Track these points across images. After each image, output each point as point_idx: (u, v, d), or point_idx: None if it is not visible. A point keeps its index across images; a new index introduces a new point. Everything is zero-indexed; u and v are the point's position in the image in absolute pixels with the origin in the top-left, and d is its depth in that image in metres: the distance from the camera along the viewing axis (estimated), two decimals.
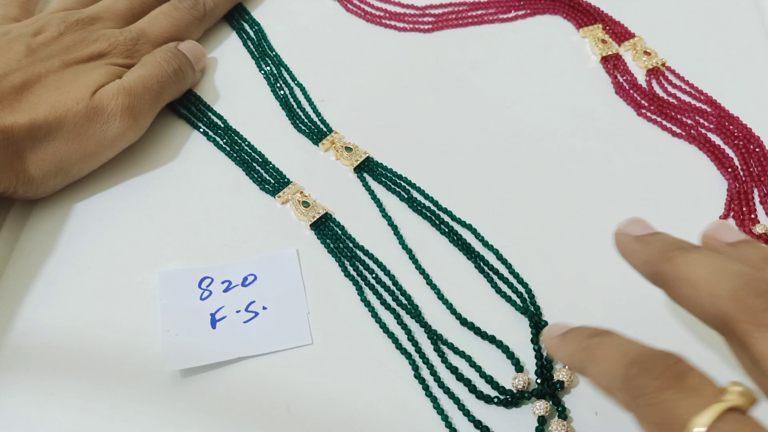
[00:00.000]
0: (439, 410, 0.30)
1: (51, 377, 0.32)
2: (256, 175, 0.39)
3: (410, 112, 0.41)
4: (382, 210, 0.37)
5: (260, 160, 0.39)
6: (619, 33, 0.45)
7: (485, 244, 0.35)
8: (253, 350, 0.32)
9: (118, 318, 0.33)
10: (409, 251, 0.35)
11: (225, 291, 0.34)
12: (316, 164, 0.39)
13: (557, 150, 0.39)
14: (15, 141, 0.35)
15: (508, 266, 0.34)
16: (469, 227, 0.36)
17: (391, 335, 0.32)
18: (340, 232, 0.36)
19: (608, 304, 0.33)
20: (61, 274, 0.35)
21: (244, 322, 0.33)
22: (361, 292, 0.34)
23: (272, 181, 0.38)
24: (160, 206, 0.38)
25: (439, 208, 0.37)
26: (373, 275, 0.34)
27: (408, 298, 0.34)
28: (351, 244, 0.36)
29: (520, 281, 0.34)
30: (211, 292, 0.34)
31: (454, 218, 0.36)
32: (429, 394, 0.30)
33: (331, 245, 0.35)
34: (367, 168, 0.39)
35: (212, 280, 0.34)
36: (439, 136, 0.40)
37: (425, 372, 0.31)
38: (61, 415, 0.30)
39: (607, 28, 0.45)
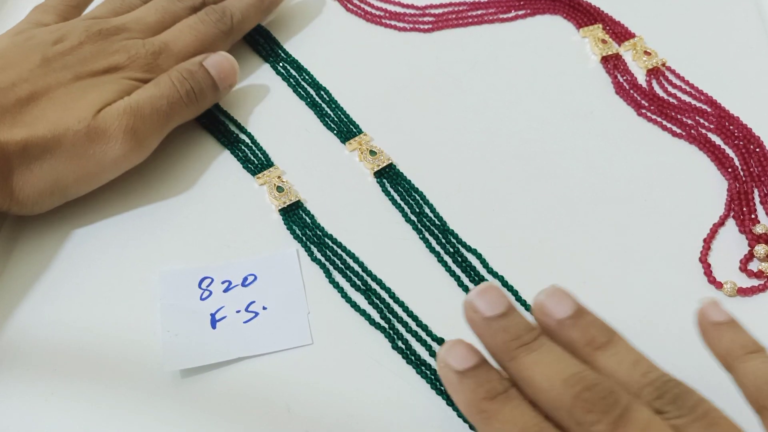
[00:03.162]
0: (438, 391, 0.30)
1: (51, 377, 0.32)
2: (240, 154, 0.39)
3: (409, 111, 0.41)
4: (414, 195, 0.37)
5: (248, 141, 0.40)
6: (619, 33, 0.45)
7: (490, 270, 0.34)
8: (253, 350, 0.32)
9: (118, 318, 0.33)
10: (437, 254, 0.35)
11: (225, 291, 0.34)
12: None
13: (557, 150, 0.39)
14: (7, 158, 0.33)
15: (515, 293, 0.34)
16: (474, 252, 0.35)
17: (364, 312, 0.33)
18: (309, 220, 0.36)
19: (608, 304, 0.33)
20: (61, 273, 0.35)
21: (244, 322, 0.33)
22: (328, 274, 0.34)
23: (255, 161, 0.39)
24: (160, 206, 0.38)
25: (448, 230, 0.36)
26: (341, 260, 0.35)
27: (380, 282, 0.34)
28: (320, 233, 0.36)
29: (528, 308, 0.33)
30: (211, 292, 0.34)
31: (460, 242, 0.35)
32: (429, 380, 0.31)
33: (298, 232, 0.36)
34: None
35: (212, 280, 0.34)
36: (437, 135, 0.40)
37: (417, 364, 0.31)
38: (61, 415, 0.30)
39: (607, 28, 0.45)
